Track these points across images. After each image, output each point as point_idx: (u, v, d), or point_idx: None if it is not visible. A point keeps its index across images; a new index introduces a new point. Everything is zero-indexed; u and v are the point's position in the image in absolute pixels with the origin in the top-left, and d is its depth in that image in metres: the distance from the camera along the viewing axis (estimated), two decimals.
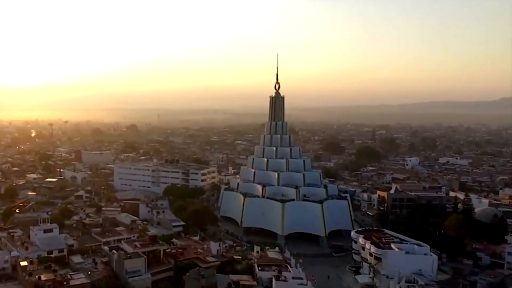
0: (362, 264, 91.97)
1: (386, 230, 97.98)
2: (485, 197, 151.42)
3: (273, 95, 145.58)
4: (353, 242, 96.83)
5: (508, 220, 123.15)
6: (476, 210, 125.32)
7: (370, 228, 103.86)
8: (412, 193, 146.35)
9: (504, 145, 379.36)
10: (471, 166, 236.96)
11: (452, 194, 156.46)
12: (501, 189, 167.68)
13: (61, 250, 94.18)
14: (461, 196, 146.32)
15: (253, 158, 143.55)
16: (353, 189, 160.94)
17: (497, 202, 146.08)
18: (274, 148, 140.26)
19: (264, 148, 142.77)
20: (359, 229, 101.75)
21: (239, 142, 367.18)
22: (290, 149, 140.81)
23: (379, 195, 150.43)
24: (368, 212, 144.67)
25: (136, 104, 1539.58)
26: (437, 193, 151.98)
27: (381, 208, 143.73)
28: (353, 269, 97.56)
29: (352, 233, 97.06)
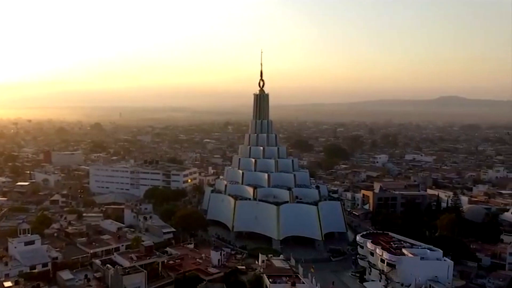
0: (371, 270, 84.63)
1: (390, 233, 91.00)
2: (463, 194, 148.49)
3: (257, 92, 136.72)
4: (358, 247, 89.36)
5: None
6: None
7: (374, 231, 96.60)
8: (396, 192, 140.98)
9: (456, 142, 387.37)
10: (437, 163, 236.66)
11: (430, 192, 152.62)
12: (474, 185, 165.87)
13: (45, 265, 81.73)
14: (441, 194, 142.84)
15: (239, 158, 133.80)
16: (336, 189, 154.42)
17: (475, 199, 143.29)
18: (261, 147, 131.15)
19: (250, 147, 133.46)
20: (364, 232, 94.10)
21: (208, 140, 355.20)
22: (278, 148, 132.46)
23: (363, 194, 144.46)
24: (354, 212, 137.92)
25: (95, 102, 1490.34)
26: (419, 191, 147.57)
27: (367, 208, 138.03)
28: (357, 274, 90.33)
29: (358, 238, 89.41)
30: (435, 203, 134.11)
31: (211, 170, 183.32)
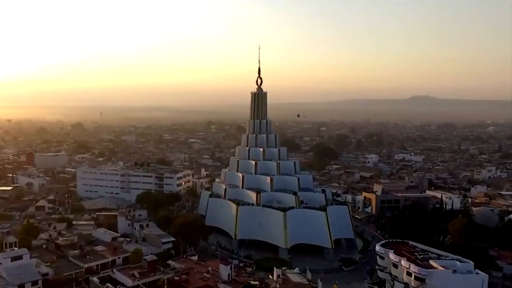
0: (393, 284, 76.52)
1: (411, 242, 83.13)
2: (464, 196, 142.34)
3: (255, 90, 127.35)
4: (377, 257, 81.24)
5: None
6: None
7: (393, 240, 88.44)
8: (399, 194, 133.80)
9: (437, 141, 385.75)
10: (426, 163, 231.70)
11: (429, 193, 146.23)
12: (473, 186, 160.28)
13: (34, 283, 71.40)
14: (440, 195, 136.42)
15: (238, 160, 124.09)
16: (335, 191, 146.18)
17: (477, 201, 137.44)
18: (261, 149, 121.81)
19: (249, 149, 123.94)
20: (383, 241, 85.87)
21: (193, 140, 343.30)
22: (278, 150, 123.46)
23: (365, 197, 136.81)
24: (356, 216, 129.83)
25: (75, 101, 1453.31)
26: (421, 193, 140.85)
27: (369, 211, 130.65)
28: (375, 287, 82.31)
29: (378, 247, 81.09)
30: (438, 206, 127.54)
31: (203, 172, 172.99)
